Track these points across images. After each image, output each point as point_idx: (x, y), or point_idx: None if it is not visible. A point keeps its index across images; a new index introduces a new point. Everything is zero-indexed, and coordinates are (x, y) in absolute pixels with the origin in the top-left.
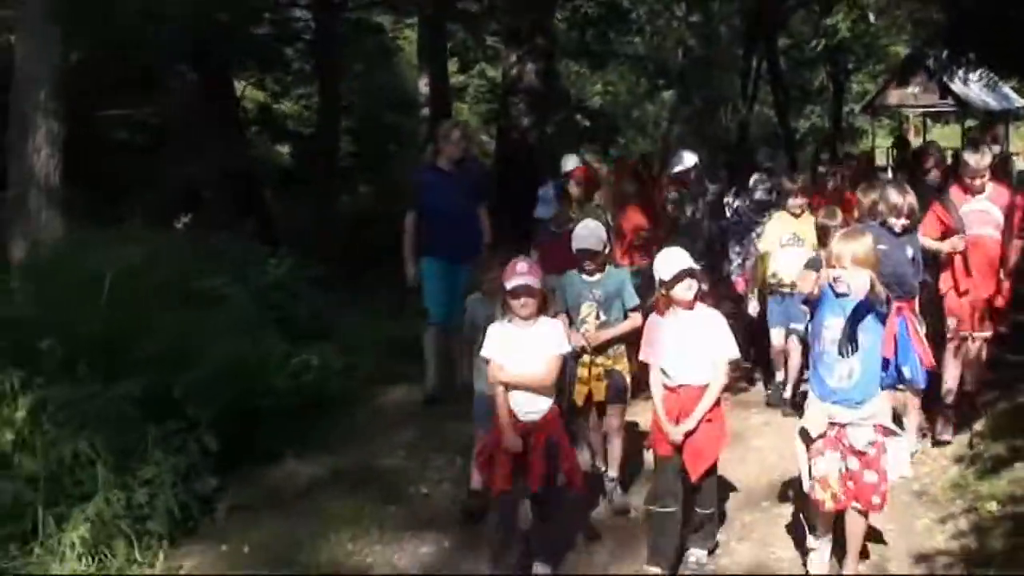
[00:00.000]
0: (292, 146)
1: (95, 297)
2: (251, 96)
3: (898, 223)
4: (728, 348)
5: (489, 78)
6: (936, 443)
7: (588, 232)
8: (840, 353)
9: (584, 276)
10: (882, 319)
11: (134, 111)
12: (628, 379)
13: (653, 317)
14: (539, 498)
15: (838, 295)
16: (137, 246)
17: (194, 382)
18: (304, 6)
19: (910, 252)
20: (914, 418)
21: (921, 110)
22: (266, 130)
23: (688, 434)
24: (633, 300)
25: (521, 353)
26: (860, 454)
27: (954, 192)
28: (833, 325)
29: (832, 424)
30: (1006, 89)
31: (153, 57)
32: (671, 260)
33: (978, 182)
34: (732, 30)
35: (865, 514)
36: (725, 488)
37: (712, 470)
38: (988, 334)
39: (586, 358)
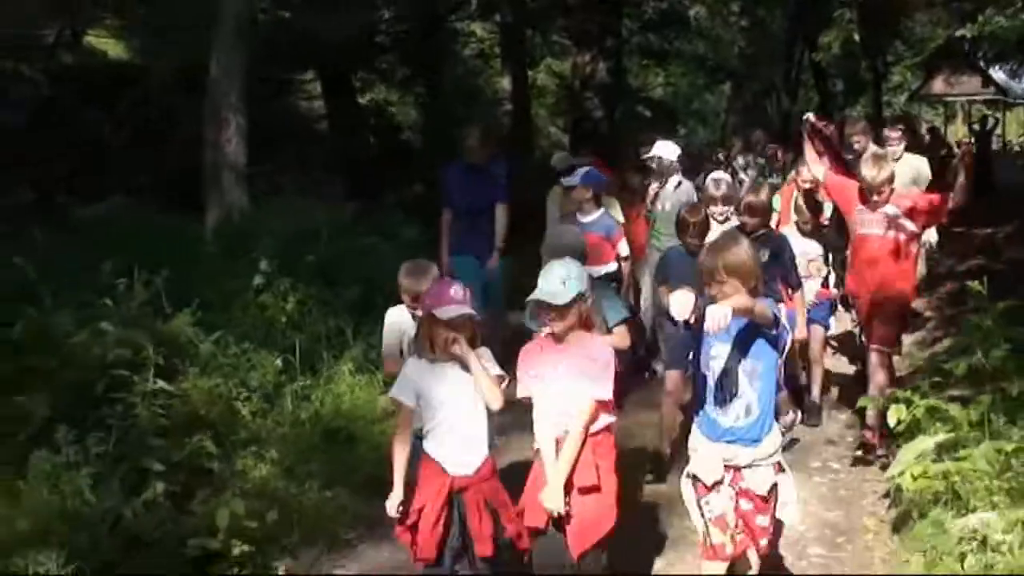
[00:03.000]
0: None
1: (310, 242)
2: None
3: (742, 220)
4: (594, 388)
5: (556, 72)
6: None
7: (556, 237)
8: (732, 387)
9: None
10: (773, 342)
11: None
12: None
13: (530, 344)
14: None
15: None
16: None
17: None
18: (409, 19)
19: (765, 255)
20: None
21: (965, 98)
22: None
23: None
24: (618, 314)
25: (447, 392)
26: (758, 497)
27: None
28: (722, 354)
29: (727, 467)
30: None
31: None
32: (545, 278)
33: (876, 197)
34: (779, 27)
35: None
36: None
37: (602, 543)
38: (884, 348)
39: None
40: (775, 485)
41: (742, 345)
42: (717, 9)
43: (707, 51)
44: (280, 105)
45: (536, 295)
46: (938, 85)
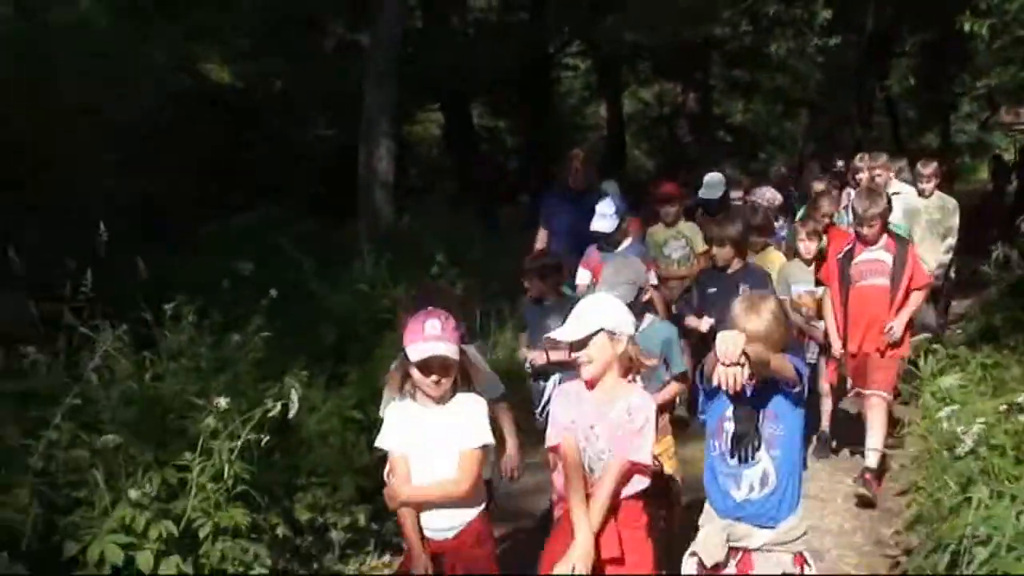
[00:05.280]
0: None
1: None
2: None
3: (722, 254)
4: (628, 449)
5: (640, 98)
6: (861, 502)
7: (613, 274)
8: (744, 454)
9: None
10: (798, 402)
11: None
12: (671, 466)
13: (571, 383)
14: None
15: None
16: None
17: None
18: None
19: (746, 291)
20: None
21: None
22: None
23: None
24: (679, 364)
25: (426, 449)
26: None
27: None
28: (739, 416)
29: (735, 549)
30: None
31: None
32: (578, 314)
33: (866, 230)
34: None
35: None
36: None
37: None
38: (883, 392)
39: None
40: None
41: (760, 404)
42: (797, 46)
43: (785, 84)
44: (406, 130)
45: (553, 332)
46: (1005, 115)
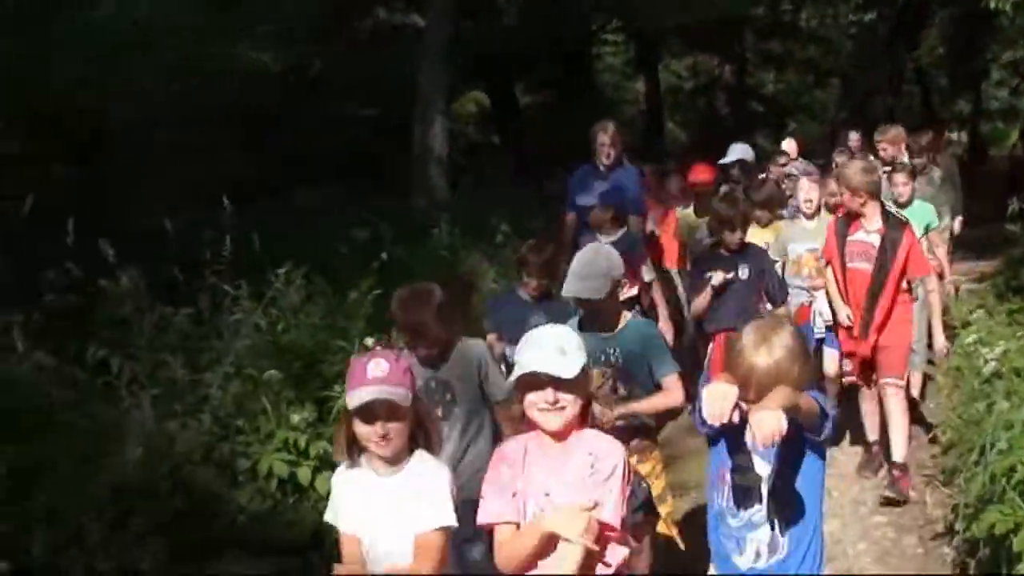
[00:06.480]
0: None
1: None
2: None
3: (732, 239)
4: (606, 510)
5: (672, 71)
6: (885, 501)
7: (583, 266)
8: (751, 511)
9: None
10: (820, 451)
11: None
12: (659, 487)
13: (512, 443)
14: None
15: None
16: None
17: None
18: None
19: (745, 272)
20: None
21: None
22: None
23: None
24: (666, 366)
25: (380, 527)
26: None
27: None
28: (759, 470)
29: None
30: None
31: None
32: (532, 347)
33: (855, 205)
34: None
35: None
36: None
37: None
38: (894, 378)
39: None
40: None
41: (785, 458)
42: (829, 16)
43: (817, 55)
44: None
45: (528, 367)
46: None
